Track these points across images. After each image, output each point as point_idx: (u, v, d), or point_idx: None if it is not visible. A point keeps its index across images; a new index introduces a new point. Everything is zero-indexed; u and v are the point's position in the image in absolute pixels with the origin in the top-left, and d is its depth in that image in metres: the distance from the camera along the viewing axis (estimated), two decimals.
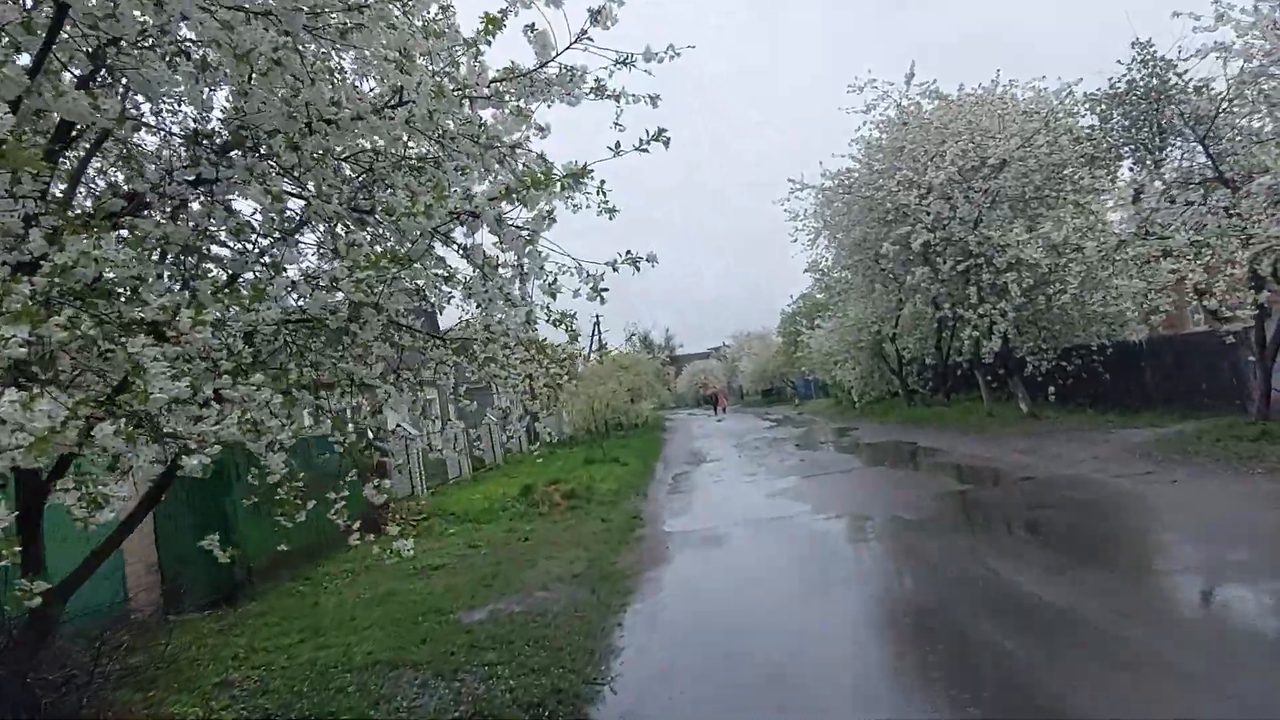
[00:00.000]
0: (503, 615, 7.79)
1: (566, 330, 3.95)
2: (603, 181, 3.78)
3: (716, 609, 7.51)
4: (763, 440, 27.13)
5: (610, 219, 4.47)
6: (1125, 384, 19.27)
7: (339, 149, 3.78)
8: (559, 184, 3.36)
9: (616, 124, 4.16)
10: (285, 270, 3.33)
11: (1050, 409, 20.39)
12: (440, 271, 3.87)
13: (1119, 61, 20.08)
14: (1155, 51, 19.24)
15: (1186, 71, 18.37)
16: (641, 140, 3.78)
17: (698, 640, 6.68)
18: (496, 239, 3.62)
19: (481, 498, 16.27)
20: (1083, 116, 19.13)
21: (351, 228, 3.54)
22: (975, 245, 18.11)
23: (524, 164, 3.74)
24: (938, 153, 18.76)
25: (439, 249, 4.29)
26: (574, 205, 4.50)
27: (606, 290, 3.74)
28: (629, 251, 3.80)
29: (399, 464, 17.44)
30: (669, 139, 3.76)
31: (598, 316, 67.08)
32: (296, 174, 3.31)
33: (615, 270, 3.81)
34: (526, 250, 3.59)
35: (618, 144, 3.78)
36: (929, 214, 18.51)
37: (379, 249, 3.70)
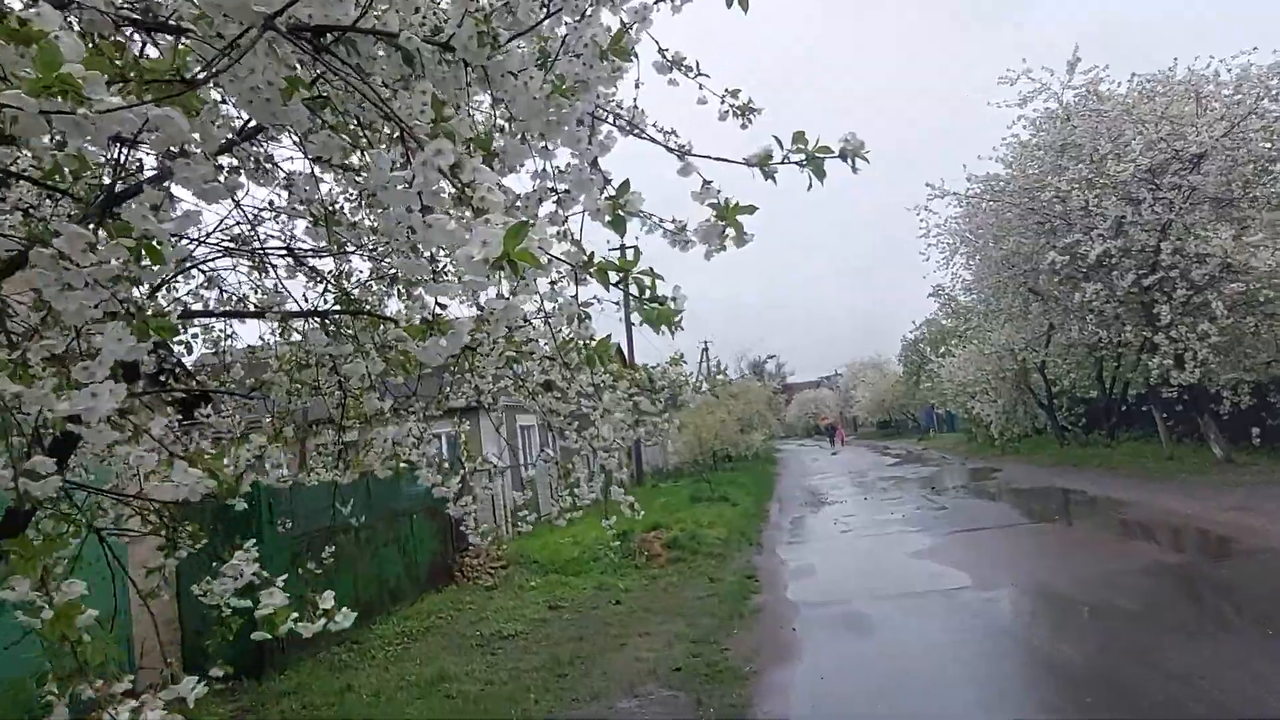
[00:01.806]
0: None
1: (639, 286, 1.70)
2: None
3: None
4: (889, 480, 24.20)
5: (744, 125, 2.33)
6: None
7: None
8: None
9: None
10: None
11: (1248, 454, 16.86)
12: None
13: None
14: None
15: None
16: None
17: None
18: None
19: (572, 542, 14.24)
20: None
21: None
22: (1168, 255, 14.98)
23: None
24: (1113, 150, 15.75)
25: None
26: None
27: (751, 212, 1.57)
28: (801, 133, 1.62)
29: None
30: None
31: (705, 342, 65.16)
32: None
33: (770, 177, 1.64)
34: (557, 114, 1.45)
35: None
36: (1106, 219, 15.50)
37: None
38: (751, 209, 1.56)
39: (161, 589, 3.54)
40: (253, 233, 3.73)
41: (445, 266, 3.43)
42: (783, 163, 1.62)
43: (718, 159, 1.65)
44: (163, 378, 4.45)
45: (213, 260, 3.94)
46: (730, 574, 11.46)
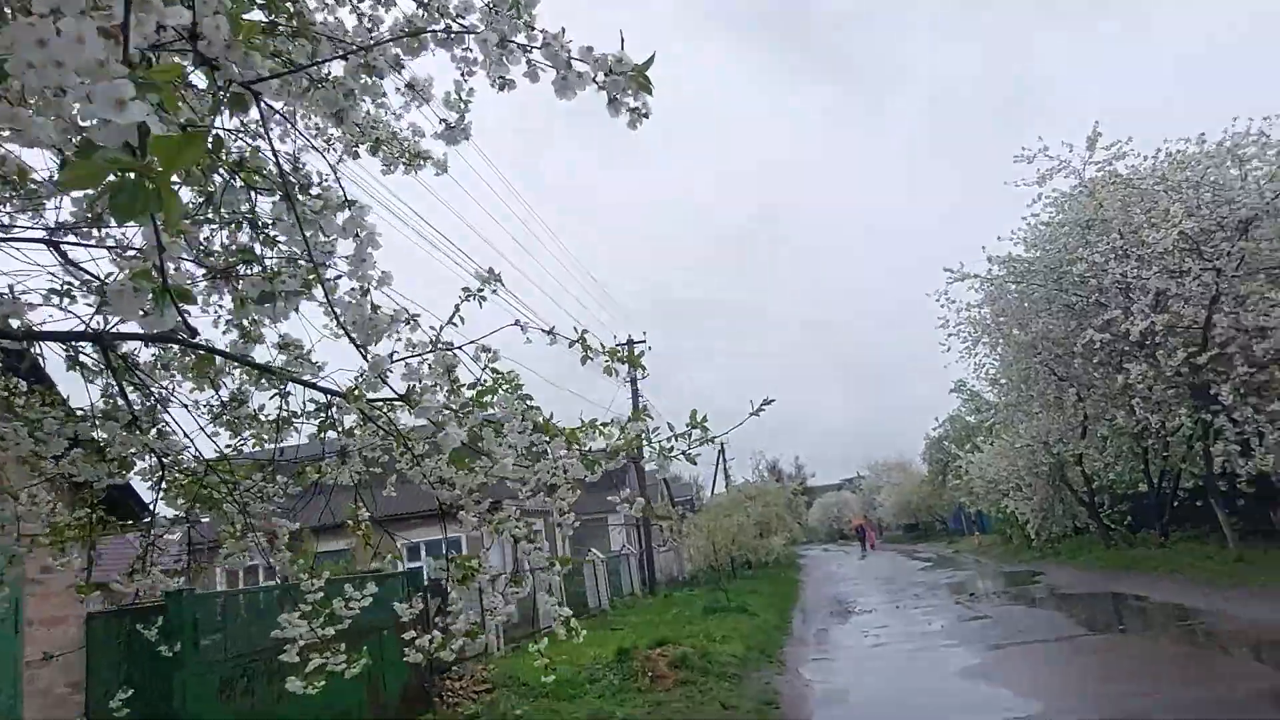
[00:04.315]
0: None
1: None
2: None
3: None
4: (921, 586, 22.23)
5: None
6: None
7: None
8: None
9: None
10: None
11: None
12: None
13: None
14: None
15: None
16: None
17: None
18: None
19: (568, 661, 12.53)
20: None
21: None
22: (1223, 329, 13.61)
23: None
24: (1148, 220, 14.62)
25: None
26: None
27: None
28: None
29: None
30: None
31: (722, 443, 63.55)
32: None
33: None
34: None
35: None
36: (1147, 292, 14.24)
37: None
38: None
39: None
40: None
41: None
42: None
43: None
44: None
45: None
46: (747, 700, 9.77)
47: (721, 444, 63.85)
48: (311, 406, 3.06)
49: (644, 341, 29.42)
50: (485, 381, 2.68)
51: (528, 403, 2.65)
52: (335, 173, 3.40)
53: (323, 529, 4.17)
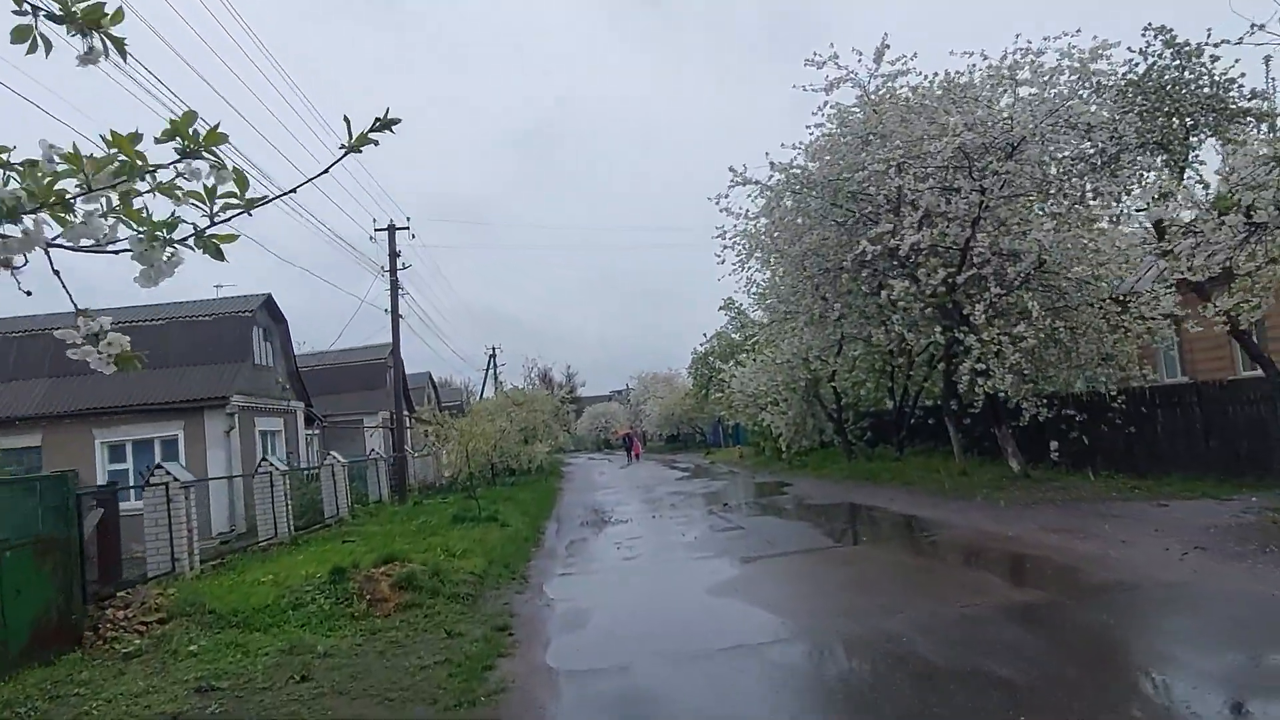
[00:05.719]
0: None
1: None
2: None
3: None
4: (678, 495, 22.20)
5: None
6: (1130, 442, 15.37)
7: None
8: None
9: None
10: None
11: (1043, 469, 16.32)
12: None
13: (1130, 49, 16.64)
14: (1175, 36, 15.81)
15: (1219, 59, 14.99)
16: None
17: None
18: None
19: (272, 582, 10.66)
20: (1094, 107, 15.26)
21: None
22: (984, 249, 13.80)
23: None
24: (925, 134, 14.46)
25: None
26: None
27: None
28: None
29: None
30: None
31: (494, 348, 61.58)
32: None
33: None
34: None
35: None
36: (919, 208, 14.14)
37: None
38: None
39: None
40: None
41: None
42: None
43: None
44: None
45: None
46: (477, 625, 8.53)
47: (493, 349, 62.02)
48: None
49: (408, 228, 26.90)
50: None
51: None
52: None
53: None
